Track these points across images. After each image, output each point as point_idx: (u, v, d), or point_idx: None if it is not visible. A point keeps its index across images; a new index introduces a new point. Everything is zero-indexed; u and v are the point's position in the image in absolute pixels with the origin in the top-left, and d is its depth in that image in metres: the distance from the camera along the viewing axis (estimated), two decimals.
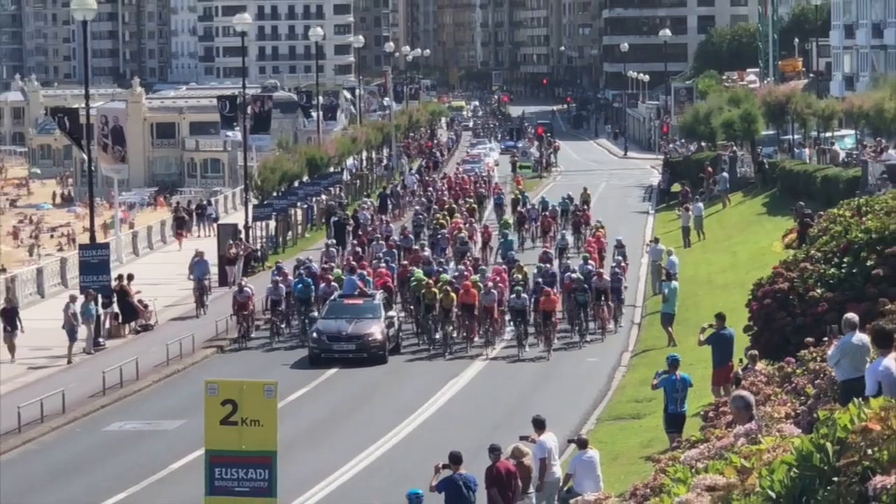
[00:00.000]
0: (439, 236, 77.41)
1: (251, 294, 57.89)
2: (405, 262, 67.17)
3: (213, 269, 70.40)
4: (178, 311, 67.04)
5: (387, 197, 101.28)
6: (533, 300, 55.93)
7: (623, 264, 65.90)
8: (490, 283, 57.73)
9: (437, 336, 55.71)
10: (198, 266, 62.01)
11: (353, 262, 63.74)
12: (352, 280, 57.89)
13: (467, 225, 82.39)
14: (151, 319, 60.25)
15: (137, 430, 47.10)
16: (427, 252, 69.76)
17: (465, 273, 60.07)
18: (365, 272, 61.88)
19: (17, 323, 57.46)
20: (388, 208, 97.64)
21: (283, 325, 59.30)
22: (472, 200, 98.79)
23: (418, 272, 60.01)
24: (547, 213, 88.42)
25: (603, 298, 58.86)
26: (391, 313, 55.08)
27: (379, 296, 55.87)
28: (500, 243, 77.63)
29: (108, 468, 43.63)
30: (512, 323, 56.63)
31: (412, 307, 60.56)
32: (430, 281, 57.77)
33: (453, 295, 55.03)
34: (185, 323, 64.36)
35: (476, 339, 56.17)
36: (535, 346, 54.42)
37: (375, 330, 50.86)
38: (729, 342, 37.74)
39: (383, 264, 64.90)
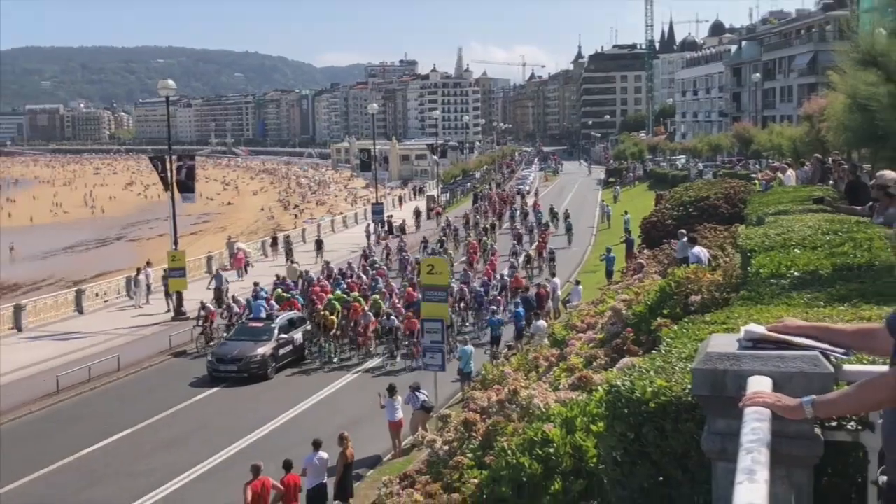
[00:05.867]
0: (400, 258, 43.32)
1: (213, 310, 31.86)
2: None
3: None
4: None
5: (492, 182, 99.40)
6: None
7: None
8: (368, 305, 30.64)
9: (314, 350, 29.10)
10: (216, 278, 38.14)
11: (259, 290, 33.92)
12: (258, 305, 31.21)
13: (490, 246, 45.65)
14: (401, 234, 58.83)
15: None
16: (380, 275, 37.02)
17: (384, 291, 33.13)
18: (296, 290, 34.96)
19: (322, 248, 48.97)
20: (493, 189, 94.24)
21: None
22: (493, 218, 60.12)
23: (335, 295, 31.69)
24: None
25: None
26: (285, 336, 27.99)
27: (280, 318, 28.84)
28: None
29: None
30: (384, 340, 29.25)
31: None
32: (318, 304, 30.93)
33: (332, 318, 28.78)
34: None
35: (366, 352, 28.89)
36: (406, 358, 27.56)
37: (259, 352, 26.78)
38: (633, 243, 37.32)
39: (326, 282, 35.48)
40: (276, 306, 31.47)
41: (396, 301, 31.32)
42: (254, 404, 24.39)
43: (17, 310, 34.05)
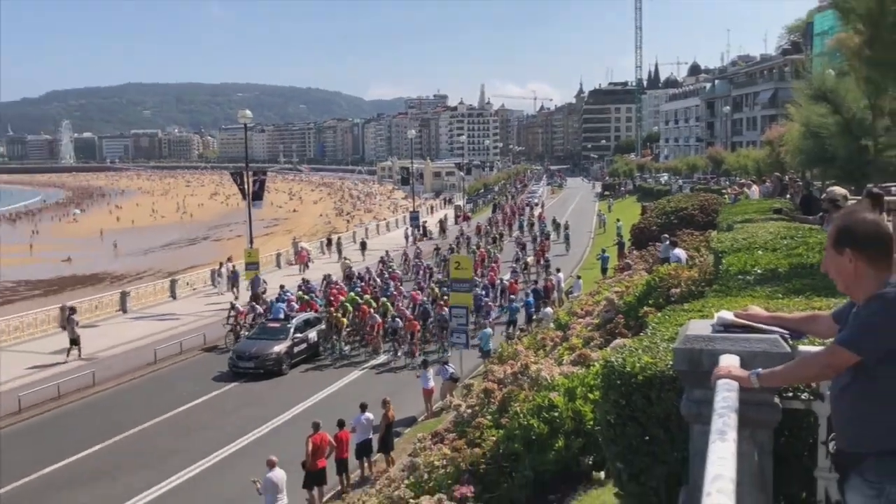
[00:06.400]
0: (414, 264, 40.68)
1: (242, 310, 28.75)
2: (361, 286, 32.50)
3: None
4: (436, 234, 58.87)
5: (508, 195, 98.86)
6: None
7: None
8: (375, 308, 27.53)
9: (327, 348, 26.44)
10: (254, 283, 33.31)
11: (283, 293, 30.91)
12: (278, 307, 28.59)
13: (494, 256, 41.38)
14: (433, 236, 58.42)
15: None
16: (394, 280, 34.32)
17: (394, 294, 30.36)
18: (315, 293, 31.73)
19: (366, 248, 46.82)
20: (508, 200, 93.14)
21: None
22: (503, 227, 56.98)
23: (349, 297, 29.12)
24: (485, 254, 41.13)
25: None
26: (300, 335, 25.33)
27: (296, 319, 26.22)
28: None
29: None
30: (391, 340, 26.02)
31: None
32: (333, 306, 28.36)
33: (343, 319, 26.35)
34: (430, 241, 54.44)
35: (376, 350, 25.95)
36: (408, 356, 25.03)
37: (275, 350, 24.15)
38: (624, 245, 36.87)
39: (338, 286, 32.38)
40: (296, 307, 29.19)
41: (400, 304, 28.72)
42: (287, 387, 23.61)
43: (123, 295, 34.44)
